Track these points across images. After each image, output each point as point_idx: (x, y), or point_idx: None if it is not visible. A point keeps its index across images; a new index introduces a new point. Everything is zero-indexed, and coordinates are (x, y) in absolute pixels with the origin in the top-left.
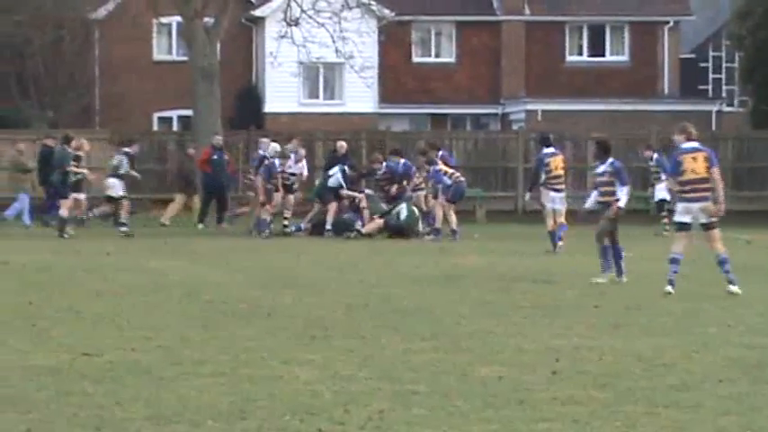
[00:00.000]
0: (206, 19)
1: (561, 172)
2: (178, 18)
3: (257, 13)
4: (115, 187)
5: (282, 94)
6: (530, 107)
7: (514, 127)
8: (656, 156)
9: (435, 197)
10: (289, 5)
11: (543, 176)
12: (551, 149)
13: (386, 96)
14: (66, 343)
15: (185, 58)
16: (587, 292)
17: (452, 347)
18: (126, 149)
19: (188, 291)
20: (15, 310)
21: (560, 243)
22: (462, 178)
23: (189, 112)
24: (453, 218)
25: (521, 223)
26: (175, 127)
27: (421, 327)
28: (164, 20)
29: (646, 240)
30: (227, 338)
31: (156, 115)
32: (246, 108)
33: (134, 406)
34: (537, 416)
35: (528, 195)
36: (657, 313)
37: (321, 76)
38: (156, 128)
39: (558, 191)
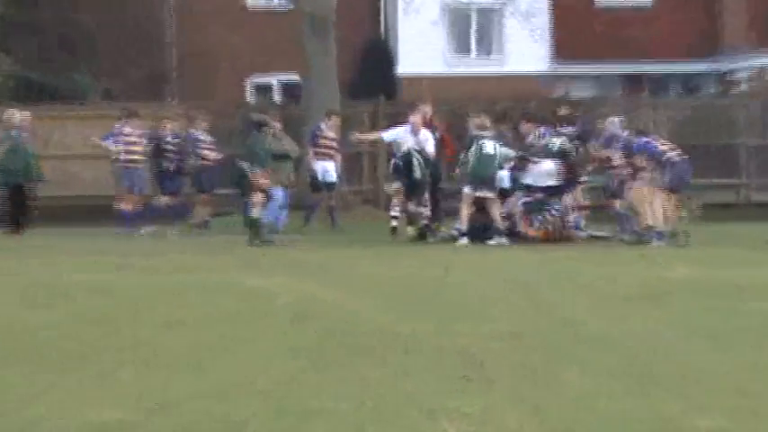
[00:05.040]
0: None
1: None
2: None
3: None
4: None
5: (421, 50)
6: (757, 62)
7: (738, 89)
8: None
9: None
10: None
11: None
12: None
13: (561, 52)
14: (135, 392)
15: (289, 5)
16: None
17: (654, 390)
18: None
19: (296, 315)
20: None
21: None
22: (680, 156)
23: (294, 77)
24: (670, 214)
25: (744, 221)
26: (276, 96)
27: (611, 361)
28: None
29: None
30: (350, 380)
31: (250, 81)
32: (373, 70)
33: None
34: None
35: None
36: None
37: (473, 26)
38: (250, 98)
39: None
